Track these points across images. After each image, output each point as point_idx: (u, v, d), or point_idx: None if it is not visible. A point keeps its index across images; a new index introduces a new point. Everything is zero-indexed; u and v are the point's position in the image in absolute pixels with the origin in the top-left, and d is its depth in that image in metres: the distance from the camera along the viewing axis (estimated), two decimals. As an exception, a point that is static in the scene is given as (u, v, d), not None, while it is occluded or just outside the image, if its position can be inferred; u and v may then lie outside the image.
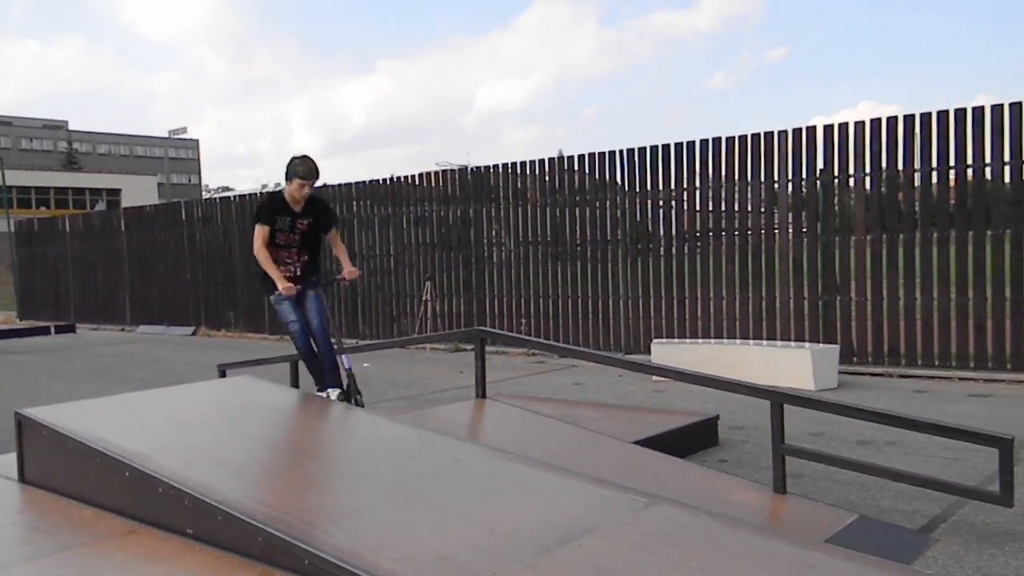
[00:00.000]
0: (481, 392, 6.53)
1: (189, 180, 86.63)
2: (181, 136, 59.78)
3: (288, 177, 5.83)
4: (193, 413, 5.14)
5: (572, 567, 3.19)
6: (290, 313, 5.89)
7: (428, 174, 14.61)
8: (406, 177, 15.00)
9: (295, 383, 7.55)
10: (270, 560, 3.26)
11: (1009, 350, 9.13)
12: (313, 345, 6.02)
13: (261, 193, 6.32)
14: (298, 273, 5.95)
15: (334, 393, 5.95)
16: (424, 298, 14.02)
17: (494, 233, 13.78)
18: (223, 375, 7.72)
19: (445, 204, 14.26)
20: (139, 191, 52.68)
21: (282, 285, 5.70)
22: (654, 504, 3.78)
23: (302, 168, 5.79)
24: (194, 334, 17.98)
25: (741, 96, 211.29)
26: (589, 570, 3.19)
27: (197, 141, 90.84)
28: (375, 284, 15.19)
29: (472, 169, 14.24)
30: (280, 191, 5.96)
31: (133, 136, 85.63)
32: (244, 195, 18.76)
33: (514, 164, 13.40)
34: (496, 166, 13.67)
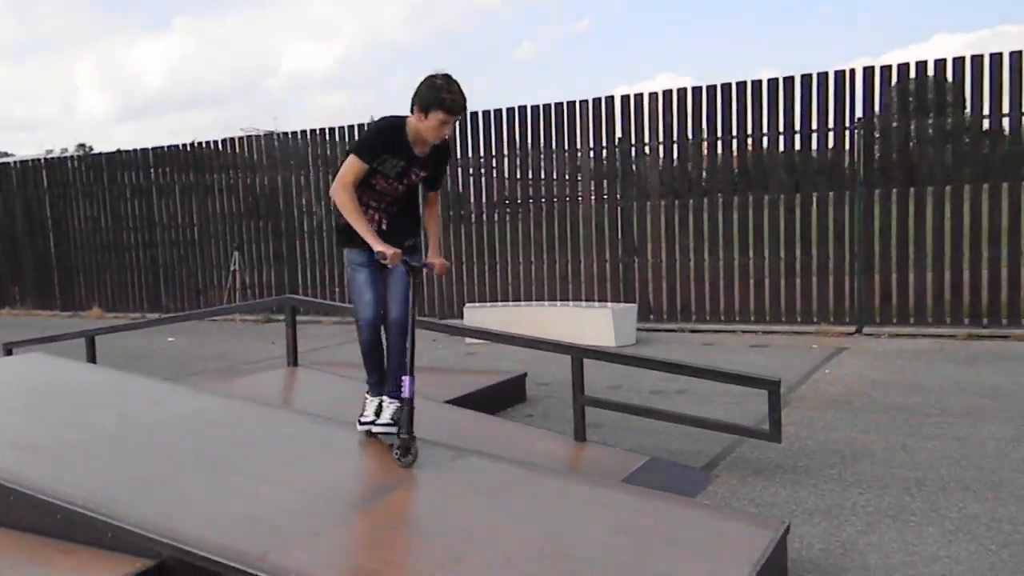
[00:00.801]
0: (293, 361, 6.51)
1: (-41, 145, 78.74)
2: (-52, 96, 54.05)
3: (425, 107, 3.79)
4: (-24, 393, 4.83)
5: (382, 520, 3.32)
6: (367, 291, 4.11)
7: (233, 140, 14.09)
8: (209, 143, 14.38)
9: (92, 358, 7.20)
10: (70, 536, 3.17)
11: (784, 305, 10.06)
12: (383, 338, 4.21)
13: (373, 119, 4.18)
14: (383, 227, 4.10)
15: (388, 410, 4.09)
16: (232, 268, 13.57)
17: (304, 202, 13.52)
18: (9, 353, 7.25)
19: (252, 172, 13.81)
20: (-101, 157, 47.23)
21: (384, 248, 3.82)
22: (461, 456, 3.96)
23: (449, 97, 3.77)
24: (-28, 313, 16.52)
25: (548, 65, 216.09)
26: (398, 521, 3.34)
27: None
28: (178, 255, 14.52)
29: (279, 135, 13.86)
30: (401, 121, 3.94)
31: None
32: (26, 160, 17.26)
33: (323, 130, 13.17)
34: (305, 132, 13.37)
